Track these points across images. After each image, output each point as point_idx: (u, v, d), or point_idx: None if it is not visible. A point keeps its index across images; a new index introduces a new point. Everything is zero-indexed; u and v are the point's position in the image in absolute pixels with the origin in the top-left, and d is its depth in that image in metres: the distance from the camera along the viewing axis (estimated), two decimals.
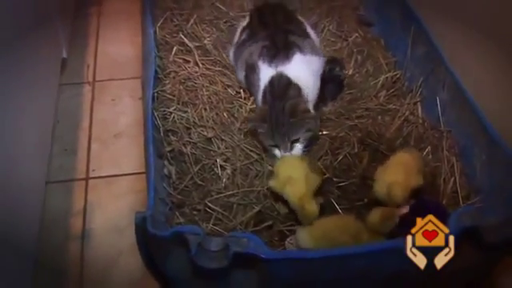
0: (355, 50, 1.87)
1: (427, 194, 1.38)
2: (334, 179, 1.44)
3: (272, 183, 1.36)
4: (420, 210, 1.31)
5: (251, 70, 1.61)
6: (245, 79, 1.66)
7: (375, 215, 1.25)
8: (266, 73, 1.56)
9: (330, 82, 1.68)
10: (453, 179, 1.42)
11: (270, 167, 1.46)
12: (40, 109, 1.69)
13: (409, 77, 1.72)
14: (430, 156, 1.49)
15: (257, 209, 1.36)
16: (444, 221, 1.14)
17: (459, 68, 1.51)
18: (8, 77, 1.39)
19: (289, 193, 1.31)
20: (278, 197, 1.37)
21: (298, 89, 1.52)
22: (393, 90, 1.71)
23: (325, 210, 1.35)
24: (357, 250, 1.12)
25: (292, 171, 1.36)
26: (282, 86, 1.52)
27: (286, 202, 1.34)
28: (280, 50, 1.59)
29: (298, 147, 1.47)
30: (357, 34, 1.93)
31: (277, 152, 1.47)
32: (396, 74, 1.75)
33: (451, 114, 1.52)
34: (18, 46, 1.47)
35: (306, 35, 1.75)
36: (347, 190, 1.43)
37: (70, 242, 1.56)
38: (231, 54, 1.79)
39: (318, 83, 1.62)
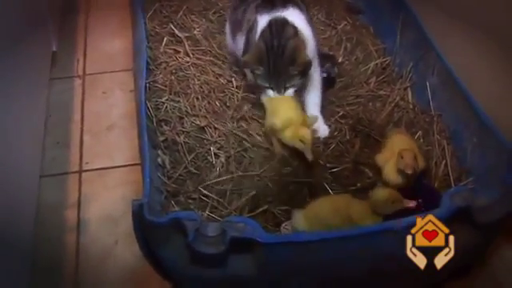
0: (344, 38, 1.88)
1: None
2: (327, 165, 1.45)
3: (272, 121, 1.43)
4: (412, 192, 1.33)
5: (250, 30, 1.59)
6: (244, 46, 1.62)
7: (381, 194, 1.25)
8: (263, 21, 1.55)
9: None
10: (444, 162, 1.44)
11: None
12: (31, 103, 1.68)
13: (398, 63, 1.74)
14: (422, 140, 1.51)
15: (252, 193, 1.37)
16: (436, 203, 1.16)
17: (448, 53, 1.53)
18: None
19: (290, 135, 1.40)
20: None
21: (294, 28, 1.51)
22: (383, 76, 1.73)
23: (318, 194, 1.36)
24: (351, 232, 1.13)
25: (291, 112, 1.44)
26: (280, 25, 1.51)
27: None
28: (276, 3, 1.58)
29: (291, 91, 1.50)
30: (345, 22, 1.95)
31: (270, 92, 1.50)
32: (386, 61, 1.77)
33: (441, 98, 1.54)
34: (7, 41, 1.47)
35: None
36: (340, 176, 1.44)
37: (65, 234, 1.55)
38: (228, 35, 1.77)
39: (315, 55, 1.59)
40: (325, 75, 1.65)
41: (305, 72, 1.50)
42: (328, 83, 1.69)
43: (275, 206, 1.35)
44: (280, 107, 1.47)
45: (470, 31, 1.51)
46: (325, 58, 1.71)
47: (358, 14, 1.99)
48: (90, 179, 1.70)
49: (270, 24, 1.52)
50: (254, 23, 1.57)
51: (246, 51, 1.59)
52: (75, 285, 1.45)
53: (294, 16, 1.56)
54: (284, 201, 1.36)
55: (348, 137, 1.53)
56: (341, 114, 1.60)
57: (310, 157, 1.37)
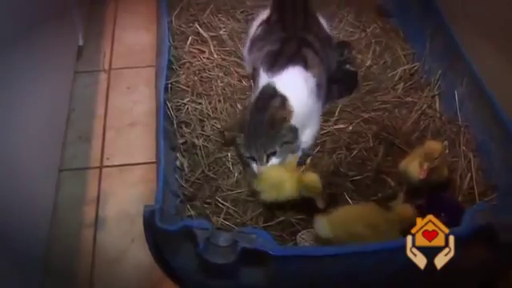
0: (373, 41, 1.84)
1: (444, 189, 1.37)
2: (349, 173, 1.43)
3: (264, 196, 1.33)
4: (435, 206, 1.31)
5: (255, 74, 1.56)
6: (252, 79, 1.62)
7: (395, 213, 1.25)
8: (263, 80, 1.49)
9: (343, 77, 1.67)
10: (469, 175, 1.40)
11: None
12: (55, 96, 1.69)
13: (427, 69, 1.70)
14: (447, 151, 1.47)
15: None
16: (459, 218, 1.13)
17: (479, 63, 1.49)
18: (23, 64, 1.39)
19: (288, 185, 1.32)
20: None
21: (282, 100, 1.43)
22: (411, 82, 1.69)
23: (337, 204, 1.34)
24: (366, 248, 1.10)
25: (275, 177, 1.34)
26: (266, 97, 1.44)
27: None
28: (281, 59, 1.52)
29: (275, 161, 1.40)
30: (375, 25, 1.91)
31: (254, 166, 1.40)
32: (414, 67, 1.73)
33: (469, 108, 1.50)
34: (33, 34, 1.47)
35: (322, 45, 1.64)
36: (361, 184, 1.42)
37: (82, 230, 1.56)
38: (245, 48, 1.75)
39: (315, 104, 1.52)
40: (347, 66, 1.64)
41: (288, 140, 1.40)
42: (352, 82, 1.67)
43: (292, 215, 1.33)
44: (263, 180, 1.35)
45: (502, 42, 1.47)
46: (341, 46, 1.70)
47: (388, 17, 1.94)
48: (110, 175, 1.70)
49: (259, 96, 1.45)
50: (258, 75, 1.53)
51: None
52: (90, 283, 1.46)
53: (289, 80, 1.49)
54: (301, 210, 1.34)
55: (371, 144, 1.50)
56: (365, 119, 1.56)
57: (321, 205, 1.30)
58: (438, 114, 1.57)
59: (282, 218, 1.33)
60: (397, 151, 1.48)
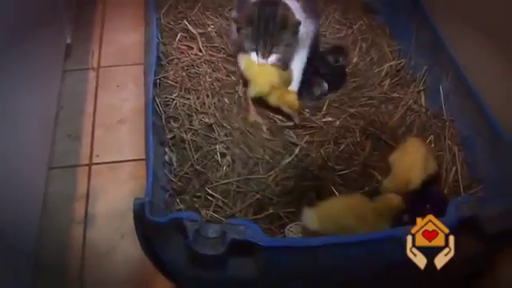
0: (360, 38, 1.86)
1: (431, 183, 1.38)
2: (336, 167, 1.44)
3: (257, 88, 1.53)
4: (421, 197, 1.32)
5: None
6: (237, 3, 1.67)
7: (391, 203, 1.27)
8: None
9: (332, 72, 1.68)
10: (454, 168, 1.42)
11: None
12: (43, 94, 1.69)
13: (413, 65, 1.71)
14: (433, 145, 1.49)
15: (257, 196, 1.36)
16: (444, 210, 1.15)
17: (463, 57, 1.50)
18: (11, 62, 1.39)
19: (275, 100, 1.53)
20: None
21: (287, 6, 1.53)
22: (397, 78, 1.70)
23: (325, 197, 1.35)
24: (355, 238, 1.12)
25: (274, 78, 1.54)
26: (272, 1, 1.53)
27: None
28: None
29: (274, 57, 1.53)
30: (362, 22, 1.92)
31: (254, 56, 1.53)
32: (400, 63, 1.74)
33: (454, 103, 1.52)
34: (21, 32, 1.47)
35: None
36: (348, 178, 1.43)
37: (72, 227, 1.56)
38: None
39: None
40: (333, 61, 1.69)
41: (294, 33, 1.53)
42: (340, 78, 1.69)
43: (280, 208, 1.34)
44: (262, 73, 1.54)
45: (488, 34, 1.49)
46: (336, 52, 1.72)
47: (374, 14, 1.96)
48: (100, 172, 1.71)
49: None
50: None
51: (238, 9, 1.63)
52: (80, 279, 1.47)
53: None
54: (290, 203, 1.35)
55: (359, 138, 1.51)
56: (352, 114, 1.58)
57: (297, 120, 1.50)
58: (424, 109, 1.59)
59: (271, 211, 1.33)
60: (383, 146, 1.50)
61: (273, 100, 1.54)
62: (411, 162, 1.35)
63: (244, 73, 1.58)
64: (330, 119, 1.56)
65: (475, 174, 1.40)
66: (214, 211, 1.33)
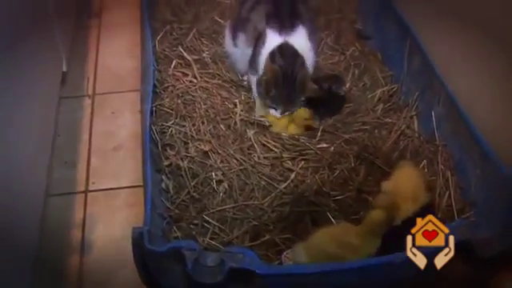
0: (352, 64, 1.89)
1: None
2: (331, 193, 1.46)
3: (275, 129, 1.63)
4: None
5: (259, 42, 1.68)
6: (251, 57, 1.71)
7: (376, 216, 1.28)
8: (273, 40, 1.64)
9: (330, 99, 1.71)
10: (448, 193, 1.43)
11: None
12: (40, 122, 1.70)
13: (405, 91, 1.74)
14: (426, 170, 1.51)
15: (253, 223, 1.37)
16: None
17: (454, 82, 1.53)
18: (8, 90, 1.40)
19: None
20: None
21: (301, 58, 1.62)
22: (389, 103, 1.73)
23: (320, 223, 1.37)
24: (350, 265, 1.13)
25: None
26: (290, 55, 1.61)
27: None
28: (285, 20, 1.67)
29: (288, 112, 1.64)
30: (354, 48, 1.95)
31: (272, 111, 1.63)
32: (393, 88, 1.77)
33: (446, 128, 1.54)
34: (18, 60, 1.49)
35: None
36: (343, 204, 1.44)
37: (69, 255, 1.56)
38: (228, 25, 1.86)
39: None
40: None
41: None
42: (338, 105, 1.73)
43: (276, 235, 1.36)
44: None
45: (477, 60, 1.52)
46: (332, 80, 1.73)
47: (366, 40, 1.99)
48: (96, 200, 1.71)
49: (281, 50, 1.61)
50: (264, 36, 1.66)
51: (252, 62, 1.69)
52: None
53: (301, 40, 1.65)
54: (285, 229, 1.37)
55: (353, 164, 1.53)
56: (346, 139, 1.60)
57: (316, 125, 1.64)
58: (417, 134, 1.61)
59: (267, 237, 1.35)
60: (377, 171, 1.52)
61: (291, 130, 1.64)
62: (401, 196, 1.34)
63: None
64: (324, 145, 1.57)
65: (468, 198, 1.41)
66: (211, 238, 1.35)
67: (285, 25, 1.65)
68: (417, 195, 1.35)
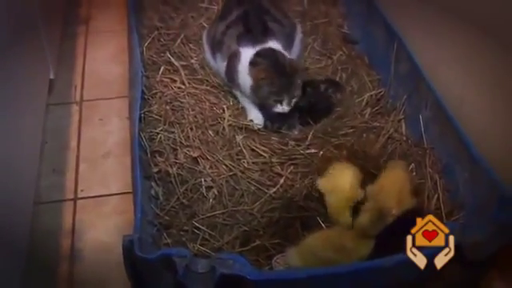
0: (340, 68, 1.90)
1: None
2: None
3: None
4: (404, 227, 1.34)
5: (234, 60, 1.69)
6: (226, 70, 1.73)
7: (364, 217, 1.29)
8: (248, 54, 1.66)
9: (319, 103, 1.72)
10: (436, 196, 1.44)
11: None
12: (27, 130, 1.69)
13: (392, 94, 1.74)
14: (414, 173, 1.52)
15: (243, 228, 1.38)
16: None
17: (442, 86, 1.54)
18: None
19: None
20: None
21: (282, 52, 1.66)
22: (377, 107, 1.73)
23: (311, 227, 1.37)
24: (341, 269, 1.14)
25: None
26: (271, 53, 1.65)
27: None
28: (257, 36, 1.70)
29: (294, 101, 1.62)
30: (341, 52, 1.96)
31: (279, 106, 1.60)
32: (380, 92, 1.77)
33: (434, 131, 1.54)
34: (4, 68, 1.48)
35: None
36: None
37: (58, 263, 1.55)
38: (204, 37, 1.91)
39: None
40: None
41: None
42: (326, 110, 1.74)
43: (267, 240, 1.36)
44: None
45: (464, 63, 1.53)
46: (330, 84, 1.77)
47: (353, 44, 2.00)
48: (85, 207, 1.70)
49: (259, 54, 1.65)
50: (238, 55, 1.67)
51: (230, 79, 1.71)
52: None
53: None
54: (275, 234, 1.37)
55: None
56: (335, 144, 1.60)
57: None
58: (405, 138, 1.62)
59: (257, 243, 1.35)
60: (366, 174, 1.52)
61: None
62: (385, 200, 1.34)
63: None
64: (313, 150, 1.58)
65: (456, 201, 1.42)
66: (202, 244, 1.35)
67: (257, 40, 1.68)
68: (402, 197, 1.35)
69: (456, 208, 1.40)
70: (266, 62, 1.62)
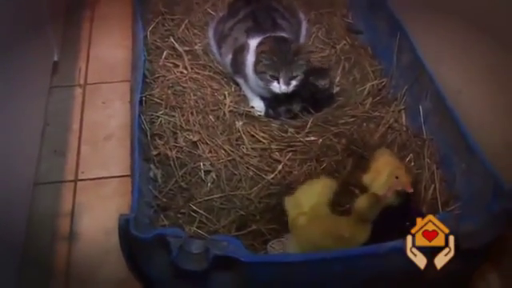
0: (343, 58, 1.90)
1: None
2: None
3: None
4: (400, 215, 1.35)
5: (241, 51, 1.70)
6: (232, 62, 1.74)
7: (362, 202, 1.28)
8: (255, 42, 1.67)
9: (318, 94, 1.72)
10: (433, 186, 1.45)
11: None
12: (30, 111, 1.70)
13: (394, 85, 1.75)
14: (412, 163, 1.52)
15: (240, 212, 1.39)
16: None
17: (442, 77, 1.54)
18: None
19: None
20: None
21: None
22: (378, 97, 1.73)
23: None
24: (334, 254, 1.15)
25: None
26: (277, 37, 1.67)
27: None
28: (266, 28, 1.73)
29: (293, 84, 1.61)
30: (345, 42, 1.96)
31: (275, 85, 1.60)
32: (382, 82, 1.77)
33: (433, 122, 1.55)
34: (8, 49, 1.49)
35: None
36: None
37: (57, 243, 1.57)
38: (210, 32, 1.91)
39: None
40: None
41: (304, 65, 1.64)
42: (326, 100, 1.74)
43: (263, 225, 1.37)
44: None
45: (465, 55, 1.53)
46: (316, 73, 1.76)
47: (357, 34, 2.00)
48: (85, 189, 1.72)
49: (267, 38, 1.66)
50: (246, 46, 1.67)
51: (236, 71, 1.72)
52: None
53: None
54: (272, 219, 1.38)
55: (340, 157, 1.54)
56: (335, 132, 1.61)
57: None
58: (404, 128, 1.62)
59: (253, 227, 1.36)
60: (365, 163, 1.52)
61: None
62: (380, 184, 1.36)
63: None
64: (312, 138, 1.58)
65: (452, 192, 1.42)
66: (198, 227, 1.36)
67: (266, 32, 1.70)
68: (398, 174, 1.36)
69: (452, 198, 1.41)
70: (270, 40, 1.64)
